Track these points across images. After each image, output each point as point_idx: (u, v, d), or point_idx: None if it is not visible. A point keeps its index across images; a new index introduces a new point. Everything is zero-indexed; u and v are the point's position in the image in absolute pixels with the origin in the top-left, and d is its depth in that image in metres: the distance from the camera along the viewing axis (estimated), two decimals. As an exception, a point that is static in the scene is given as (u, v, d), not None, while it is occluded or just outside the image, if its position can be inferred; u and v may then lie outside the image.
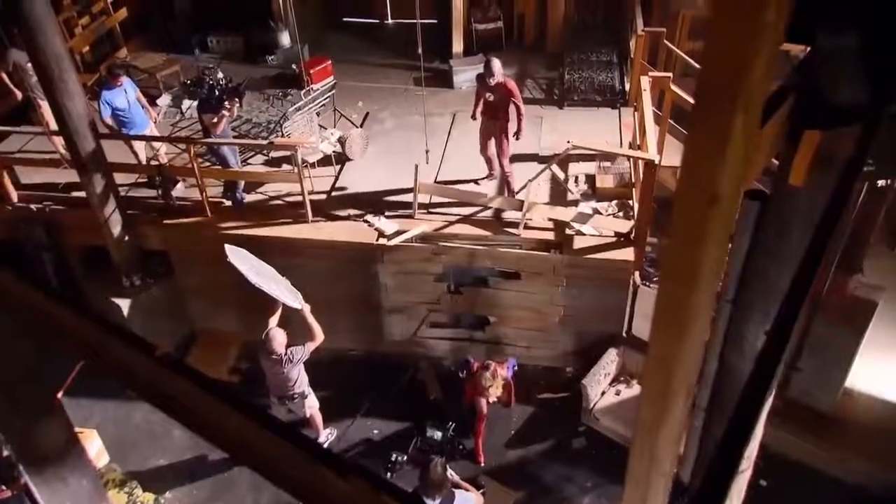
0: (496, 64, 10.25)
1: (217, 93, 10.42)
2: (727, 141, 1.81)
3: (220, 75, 11.48)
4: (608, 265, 9.99)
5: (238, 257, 9.32)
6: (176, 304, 11.58)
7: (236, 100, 10.51)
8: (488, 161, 11.14)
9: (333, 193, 11.43)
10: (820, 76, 4.18)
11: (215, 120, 10.36)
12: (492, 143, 10.82)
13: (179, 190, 11.54)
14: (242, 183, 11.14)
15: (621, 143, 12.05)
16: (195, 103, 11.90)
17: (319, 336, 9.39)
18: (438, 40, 14.13)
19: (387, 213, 10.75)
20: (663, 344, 2.20)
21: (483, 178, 11.39)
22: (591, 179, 11.31)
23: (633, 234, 10.13)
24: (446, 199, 10.87)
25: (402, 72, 14.29)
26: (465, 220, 10.67)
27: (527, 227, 10.42)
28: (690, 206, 1.93)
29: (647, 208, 9.64)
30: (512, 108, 10.48)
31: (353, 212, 10.91)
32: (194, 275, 11.34)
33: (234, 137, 11.56)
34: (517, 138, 10.55)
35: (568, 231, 10.35)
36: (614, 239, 10.25)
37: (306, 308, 9.33)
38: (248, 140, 11.85)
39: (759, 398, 2.20)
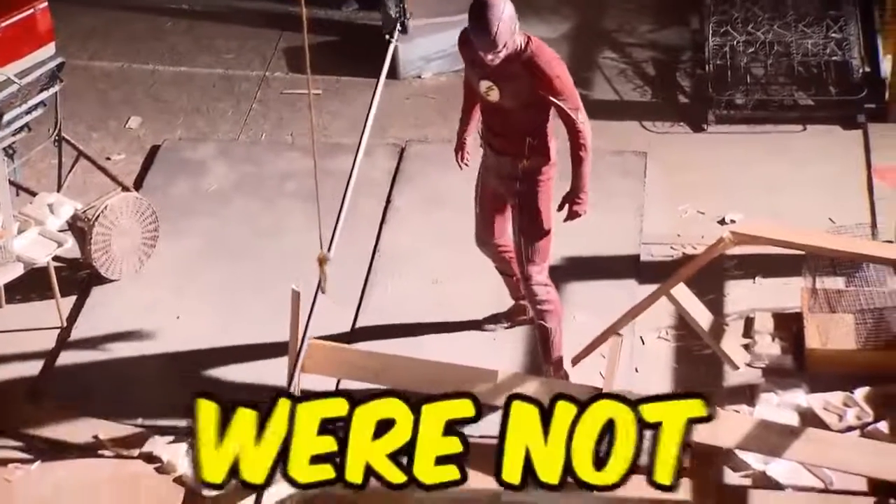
0: (499, 8, 5.00)
1: None
2: None
3: None
4: None
5: None
6: None
7: None
8: (503, 269, 5.83)
9: (52, 383, 6.17)
10: None
11: None
12: (505, 219, 5.64)
13: None
14: None
15: (874, 219, 6.79)
16: None
17: None
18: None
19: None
20: None
21: (493, 325, 6.02)
22: (787, 326, 6.06)
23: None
24: (382, 387, 5.26)
25: (251, 36, 8.53)
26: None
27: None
28: None
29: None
30: (556, 121, 5.21)
31: (104, 432, 5.83)
32: None
33: None
34: (572, 215, 5.47)
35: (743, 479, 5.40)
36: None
37: None
38: None
39: None
